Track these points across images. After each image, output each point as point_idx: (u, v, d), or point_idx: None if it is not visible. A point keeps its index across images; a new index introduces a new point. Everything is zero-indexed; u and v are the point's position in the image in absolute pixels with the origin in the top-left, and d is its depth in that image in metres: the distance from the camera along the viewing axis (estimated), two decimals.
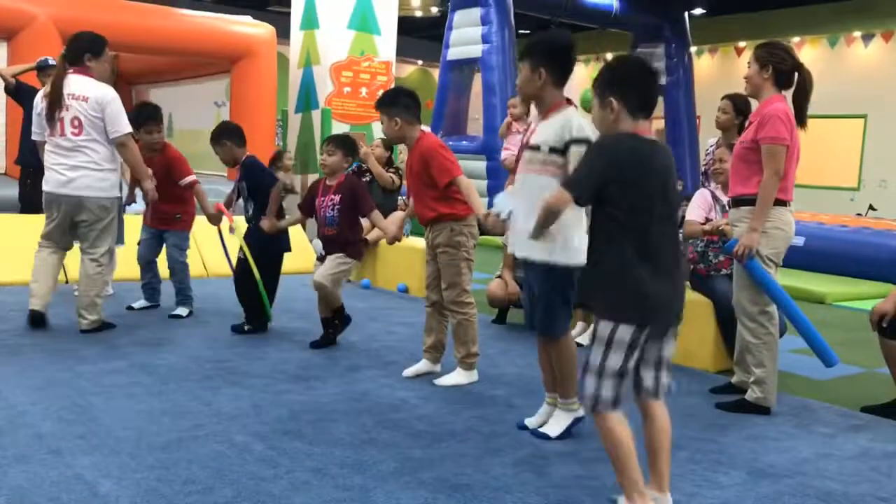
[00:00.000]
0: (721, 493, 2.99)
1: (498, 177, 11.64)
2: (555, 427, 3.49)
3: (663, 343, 2.65)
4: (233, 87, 10.77)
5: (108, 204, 4.92)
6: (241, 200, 5.32)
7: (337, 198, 4.80)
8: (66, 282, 6.45)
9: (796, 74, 3.98)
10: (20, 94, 7.10)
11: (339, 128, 10.02)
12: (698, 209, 5.03)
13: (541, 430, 3.50)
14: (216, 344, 4.83)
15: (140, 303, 5.71)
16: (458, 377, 4.24)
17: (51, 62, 6.66)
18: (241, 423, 3.43)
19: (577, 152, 3.23)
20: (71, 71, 4.86)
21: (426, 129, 4.47)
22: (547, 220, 2.72)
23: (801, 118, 3.95)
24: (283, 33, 11.01)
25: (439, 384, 4.19)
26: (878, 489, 3.11)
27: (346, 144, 4.95)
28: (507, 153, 6.82)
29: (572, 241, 3.28)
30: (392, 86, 10.83)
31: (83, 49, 4.89)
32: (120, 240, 5.74)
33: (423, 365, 4.39)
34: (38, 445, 3.06)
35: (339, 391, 3.99)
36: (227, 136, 5.25)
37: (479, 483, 2.93)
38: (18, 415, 3.39)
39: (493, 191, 11.16)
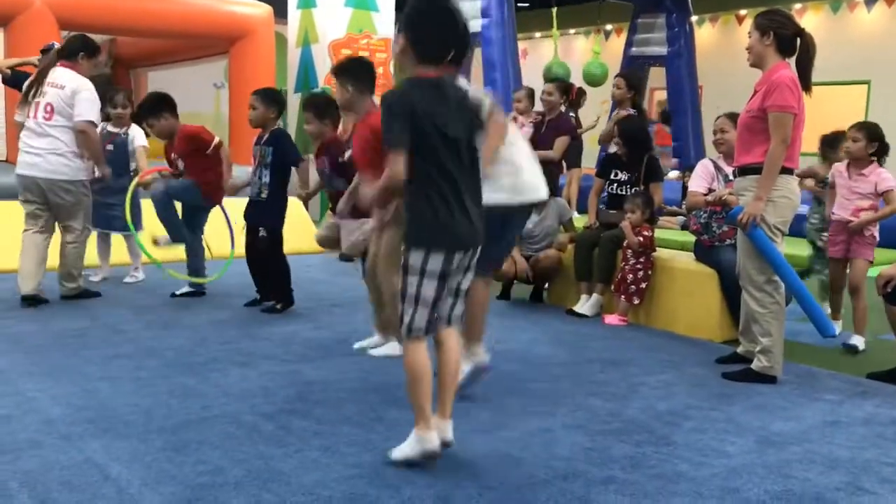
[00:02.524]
0: (728, 461, 3.00)
1: None
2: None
3: (464, 275, 2.84)
4: (231, 68, 10.71)
5: (73, 187, 5.18)
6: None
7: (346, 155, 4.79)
8: None
9: (798, 40, 3.94)
10: (19, 82, 7.09)
11: None
12: (701, 180, 5.02)
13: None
14: (223, 325, 4.84)
15: (183, 289, 5.68)
16: (389, 349, 4.23)
17: (54, 45, 6.73)
18: (249, 404, 3.45)
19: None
20: (60, 63, 5.21)
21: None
22: (387, 192, 2.87)
23: (805, 84, 3.92)
24: (281, 13, 10.92)
25: (375, 354, 4.22)
26: (884, 455, 3.12)
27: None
28: None
29: (499, 181, 3.42)
30: (391, 63, 10.79)
31: (79, 48, 5.26)
32: (138, 225, 5.85)
33: (376, 339, 4.37)
34: (49, 430, 3.08)
35: (346, 370, 4.00)
36: (275, 104, 5.24)
37: (487, 457, 2.95)
38: (27, 401, 3.41)
39: None
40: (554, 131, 6.46)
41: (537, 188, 3.64)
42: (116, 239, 6.26)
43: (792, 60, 3.97)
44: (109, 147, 5.87)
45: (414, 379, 2.78)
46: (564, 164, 7.44)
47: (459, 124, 2.76)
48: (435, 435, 2.80)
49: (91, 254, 5.80)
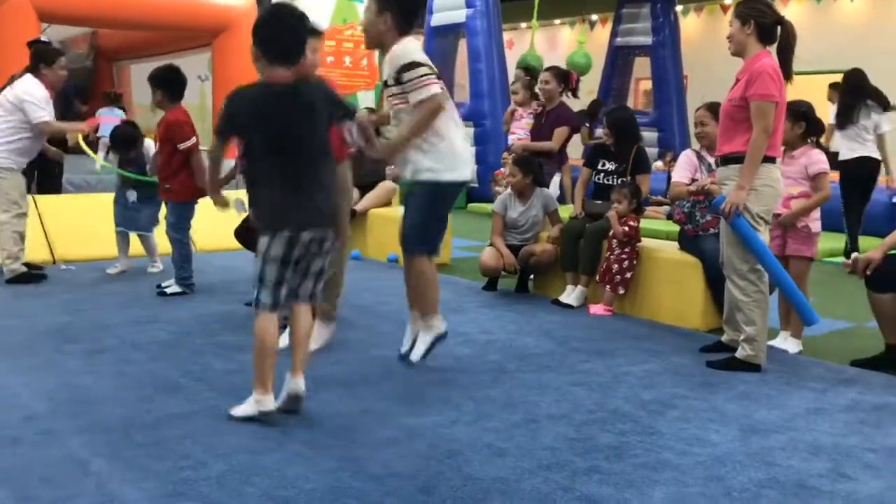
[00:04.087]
0: (713, 450, 3.01)
1: (485, 142, 11.60)
2: (418, 350, 3.66)
3: (313, 259, 3.20)
4: (215, 60, 10.66)
5: None
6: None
7: None
8: (54, 262, 6.42)
9: (779, 28, 3.94)
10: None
11: None
12: (684, 170, 5.03)
13: (407, 358, 3.67)
14: (206, 319, 4.81)
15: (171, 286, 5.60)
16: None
17: (41, 39, 7.07)
18: (233, 398, 3.41)
19: (408, 76, 3.54)
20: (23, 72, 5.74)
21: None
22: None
23: (787, 72, 3.93)
24: (264, 4, 10.86)
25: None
26: (867, 441, 3.14)
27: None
28: (514, 137, 6.79)
29: (435, 155, 3.62)
30: (376, 54, 10.74)
31: (38, 61, 5.76)
32: (155, 221, 6.09)
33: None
34: (30, 426, 3.05)
35: (331, 363, 3.99)
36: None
37: (471, 448, 2.94)
38: (9, 396, 3.38)
39: (479, 157, 11.10)
40: (553, 122, 6.38)
41: (465, 168, 3.78)
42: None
43: (773, 49, 3.97)
44: (130, 168, 6.01)
45: (259, 347, 3.18)
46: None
47: (304, 123, 3.16)
48: (271, 398, 3.15)
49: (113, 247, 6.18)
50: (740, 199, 3.87)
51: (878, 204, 8.26)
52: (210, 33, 10.27)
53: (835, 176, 5.93)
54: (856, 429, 3.28)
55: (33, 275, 5.75)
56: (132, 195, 6.01)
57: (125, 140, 6.04)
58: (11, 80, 5.77)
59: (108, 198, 6.24)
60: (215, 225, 5.88)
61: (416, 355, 3.75)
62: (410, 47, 3.60)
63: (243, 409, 3.17)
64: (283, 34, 3.17)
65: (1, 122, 5.60)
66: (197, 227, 5.78)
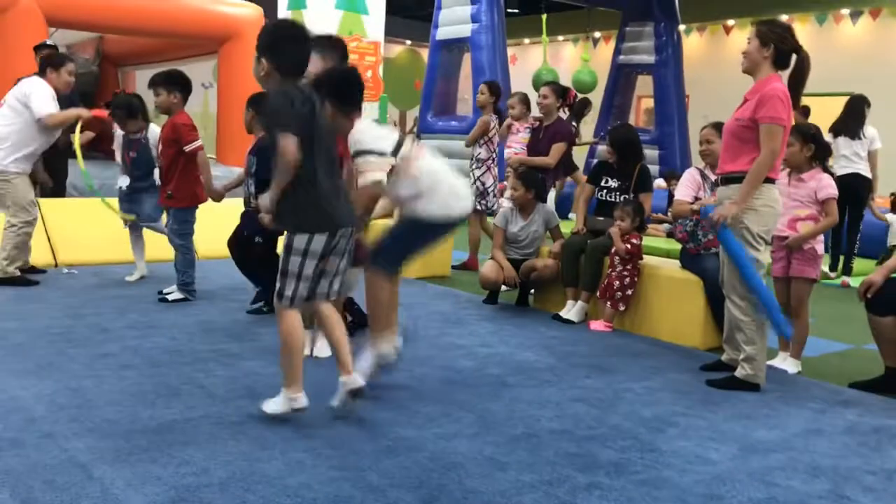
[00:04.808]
0: (712, 468, 3.02)
1: None
2: (361, 372, 3.51)
3: (339, 259, 3.33)
4: (220, 68, 10.67)
5: None
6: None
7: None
8: (56, 265, 6.43)
9: (794, 56, 3.98)
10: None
11: None
12: (687, 188, 5.05)
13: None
14: (209, 326, 4.82)
15: (173, 292, 5.56)
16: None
17: (47, 43, 7.17)
18: (234, 405, 3.43)
19: (357, 161, 3.56)
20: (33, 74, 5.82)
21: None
22: (286, 170, 3.18)
23: (795, 100, 3.96)
24: (271, 13, 10.90)
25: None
26: (867, 463, 3.15)
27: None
28: (510, 151, 6.83)
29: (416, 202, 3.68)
30: (380, 67, 10.79)
31: (45, 65, 5.84)
32: (160, 210, 6.01)
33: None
34: (32, 429, 3.05)
35: (332, 372, 3.98)
36: (253, 105, 5.09)
37: (472, 461, 2.95)
38: (10, 399, 3.38)
39: None
40: (551, 137, 6.42)
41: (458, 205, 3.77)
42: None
43: (784, 73, 4.00)
44: (133, 154, 5.96)
45: (289, 343, 3.26)
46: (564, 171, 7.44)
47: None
48: (303, 395, 3.23)
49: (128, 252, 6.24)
50: (729, 213, 3.93)
51: (868, 224, 8.35)
52: (216, 41, 10.29)
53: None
54: (855, 450, 3.29)
55: (24, 280, 5.74)
56: (124, 181, 5.93)
57: (127, 108, 5.88)
58: (18, 82, 5.80)
59: (110, 203, 6.25)
60: (217, 232, 5.90)
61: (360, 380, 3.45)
62: (358, 137, 3.58)
63: (275, 405, 3.25)
64: (296, 49, 3.27)
65: (9, 125, 5.63)
66: (198, 234, 5.79)
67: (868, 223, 8.15)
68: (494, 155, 7.28)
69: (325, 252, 3.24)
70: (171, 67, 5.79)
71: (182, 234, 5.47)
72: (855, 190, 7.52)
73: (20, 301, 5.24)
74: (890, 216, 8.04)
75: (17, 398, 3.40)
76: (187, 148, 5.32)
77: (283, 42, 3.26)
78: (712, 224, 3.99)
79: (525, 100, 6.93)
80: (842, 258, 7.86)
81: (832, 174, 4.80)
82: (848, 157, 7.59)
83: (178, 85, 5.35)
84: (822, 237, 4.56)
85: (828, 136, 7.69)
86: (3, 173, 5.63)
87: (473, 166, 7.28)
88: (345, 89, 3.58)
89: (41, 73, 5.80)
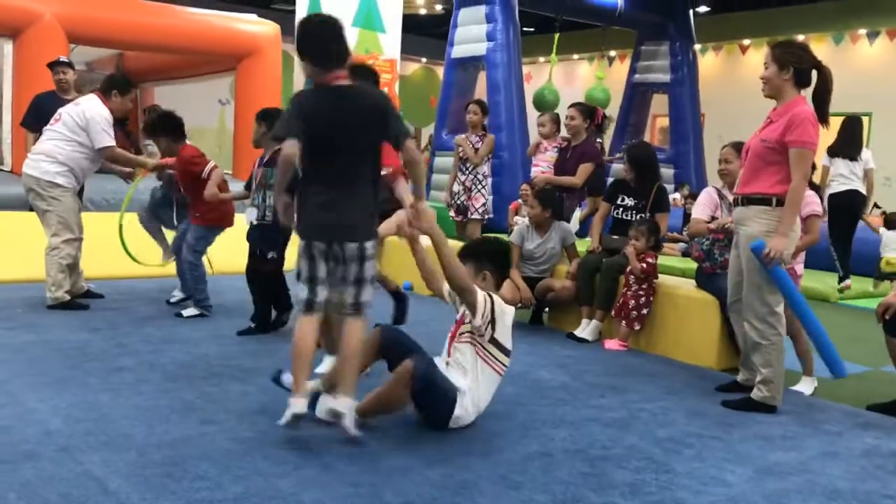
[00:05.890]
0: (728, 490, 2.99)
1: (502, 174, 11.64)
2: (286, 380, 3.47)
3: (347, 267, 3.27)
4: (238, 85, 10.77)
5: (34, 184, 5.49)
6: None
7: None
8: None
9: (815, 73, 3.96)
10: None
11: None
12: (704, 207, 5.04)
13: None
14: (223, 341, 4.84)
15: (188, 308, 5.59)
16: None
17: (62, 59, 7.04)
18: (249, 420, 3.44)
19: None
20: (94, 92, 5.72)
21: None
22: (283, 170, 3.28)
23: (822, 116, 3.93)
24: (288, 31, 11.01)
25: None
26: (885, 487, 3.12)
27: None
28: (537, 170, 6.85)
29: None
30: (396, 84, 10.85)
31: (112, 86, 5.69)
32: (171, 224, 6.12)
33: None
34: (48, 442, 3.07)
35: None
36: (264, 120, 5.09)
37: (486, 479, 2.94)
38: (27, 412, 3.40)
39: (496, 188, 11.14)
40: (579, 157, 6.44)
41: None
42: None
43: (806, 91, 3.99)
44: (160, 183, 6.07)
45: (297, 345, 3.28)
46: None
47: (352, 127, 3.25)
48: (301, 400, 3.16)
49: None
50: (783, 246, 3.84)
51: (864, 242, 8.37)
52: (234, 58, 10.40)
53: None
54: (872, 474, 3.25)
55: (76, 303, 5.53)
56: (158, 192, 6.07)
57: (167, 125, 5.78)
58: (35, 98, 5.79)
59: (130, 217, 6.29)
60: (232, 247, 5.94)
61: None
62: None
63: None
64: (327, 41, 3.30)
65: (63, 140, 5.50)
66: (213, 249, 5.82)
67: (864, 241, 8.26)
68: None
69: (325, 256, 3.25)
70: (161, 112, 5.96)
71: (194, 251, 5.50)
72: (850, 206, 8.06)
73: (37, 314, 5.28)
74: (883, 231, 8.22)
75: (33, 411, 3.42)
76: (204, 174, 5.40)
77: (311, 34, 3.33)
78: (767, 263, 3.86)
79: (556, 119, 6.97)
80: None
81: (817, 188, 4.80)
82: (846, 175, 8.06)
83: (163, 129, 5.62)
84: (802, 259, 4.55)
85: (824, 159, 7.92)
86: (52, 185, 5.45)
87: (482, 184, 7.30)
88: None
89: (105, 92, 5.64)
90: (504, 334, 3.51)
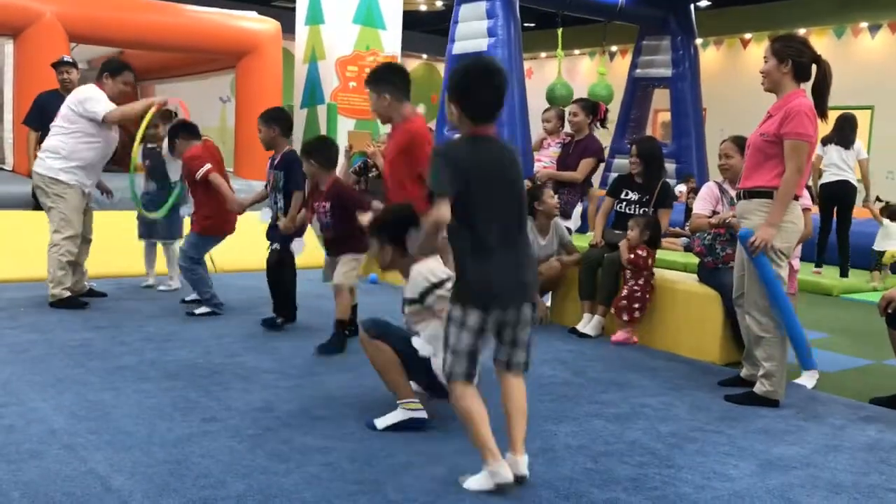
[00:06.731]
0: (731, 484, 2.99)
1: None
2: (385, 420, 3.40)
3: (517, 326, 2.93)
4: (238, 82, 10.76)
5: (40, 181, 5.51)
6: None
7: (327, 205, 4.78)
8: None
9: (814, 66, 3.96)
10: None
11: (344, 123, 10.02)
12: (705, 202, 5.04)
13: (375, 420, 3.43)
14: (226, 339, 4.84)
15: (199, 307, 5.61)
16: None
17: (65, 59, 7.07)
18: (251, 418, 3.45)
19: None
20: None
21: (420, 111, 4.48)
22: (431, 234, 2.84)
23: (822, 110, 3.93)
24: (288, 28, 11.00)
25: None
26: (888, 480, 3.11)
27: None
28: (539, 165, 6.85)
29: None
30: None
31: (103, 70, 5.65)
32: (178, 233, 6.23)
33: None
34: (51, 441, 3.08)
35: (349, 386, 4.00)
36: (276, 122, 5.19)
37: None
38: (30, 411, 3.41)
39: None
40: (580, 153, 6.45)
41: None
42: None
43: (806, 85, 3.98)
44: (146, 163, 6.07)
45: (465, 419, 2.92)
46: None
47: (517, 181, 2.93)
48: (504, 464, 2.82)
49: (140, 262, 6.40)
50: (770, 237, 3.86)
51: (860, 235, 8.37)
52: (235, 56, 10.39)
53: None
54: (876, 467, 3.25)
55: (76, 301, 5.53)
56: (151, 186, 6.11)
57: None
58: (38, 97, 5.88)
59: (129, 215, 6.31)
60: (234, 245, 5.95)
61: (380, 423, 3.40)
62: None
63: (478, 482, 2.84)
64: (490, 93, 2.87)
65: (65, 134, 5.46)
66: (216, 248, 5.82)
67: (860, 234, 8.27)
68: None
69: (482, 325, 2.88)
70: (179, 119, 6.02)
71: (187, 257, 5.48)
72: (843, 196, 8.22)
73: (40, 313, 5.29)
74: (886, 222, 8.19)
75: (36, 410, 3.43)
76: (197, 176, 5.42)
77: (476, 85, 2.86)
78: (751, 250, 3.91)
79: (561, 115, 6.97)
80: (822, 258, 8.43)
81: (809, 187, 4.82)
82: (838, 165, 8.20)
83: (174, 129, 5.74)
84: (799, 253, 4.55)
85: (818, 148, 7.99)
86: (55, 182, 5.43)
87: None
88: None
89: (98, 78, 5.63)
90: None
